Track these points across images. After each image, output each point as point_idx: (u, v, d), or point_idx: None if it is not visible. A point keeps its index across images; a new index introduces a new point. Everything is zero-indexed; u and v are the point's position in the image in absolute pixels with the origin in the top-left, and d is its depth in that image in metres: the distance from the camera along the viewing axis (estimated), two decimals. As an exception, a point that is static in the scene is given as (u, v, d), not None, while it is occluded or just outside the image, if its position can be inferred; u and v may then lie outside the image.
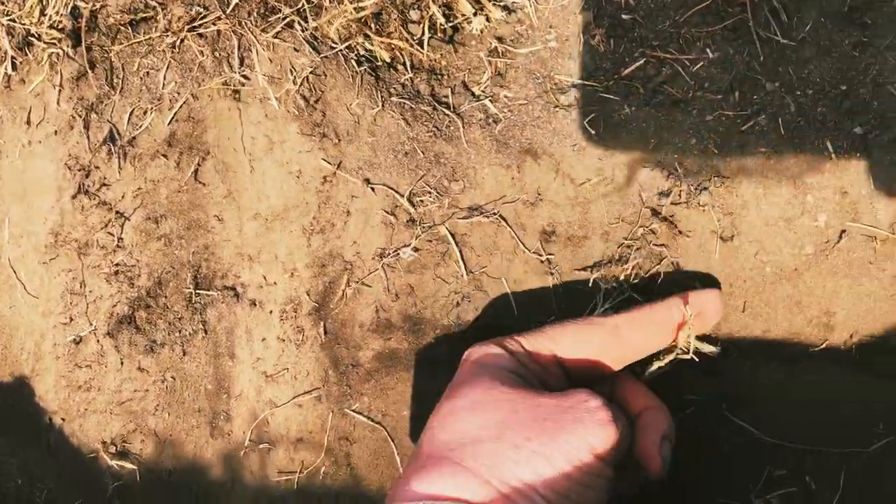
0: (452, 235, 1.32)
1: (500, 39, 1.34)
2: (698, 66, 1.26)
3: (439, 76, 1.38)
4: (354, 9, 1.28)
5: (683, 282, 1.22)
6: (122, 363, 1.41)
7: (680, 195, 1.22)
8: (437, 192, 1.32)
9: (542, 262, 1.28)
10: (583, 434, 0.92)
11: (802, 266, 1.18)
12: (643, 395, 1.09)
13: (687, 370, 1.16)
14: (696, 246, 1.22)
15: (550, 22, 1.34)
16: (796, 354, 1.20)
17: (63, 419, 1.43)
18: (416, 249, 1.33)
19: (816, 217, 1.17)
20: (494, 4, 1.30)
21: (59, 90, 1.37)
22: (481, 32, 1.35)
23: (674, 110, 1.25)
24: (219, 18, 1.33)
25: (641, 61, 1.29)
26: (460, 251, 1.32)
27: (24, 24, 1.35)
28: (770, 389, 1.20)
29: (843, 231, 1.17)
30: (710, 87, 1.24)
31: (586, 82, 1.31)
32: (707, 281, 1.22)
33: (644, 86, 1.28)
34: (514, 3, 1.30)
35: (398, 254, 1.33)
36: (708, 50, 1.25)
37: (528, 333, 1.10)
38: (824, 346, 1.18)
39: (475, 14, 1.30)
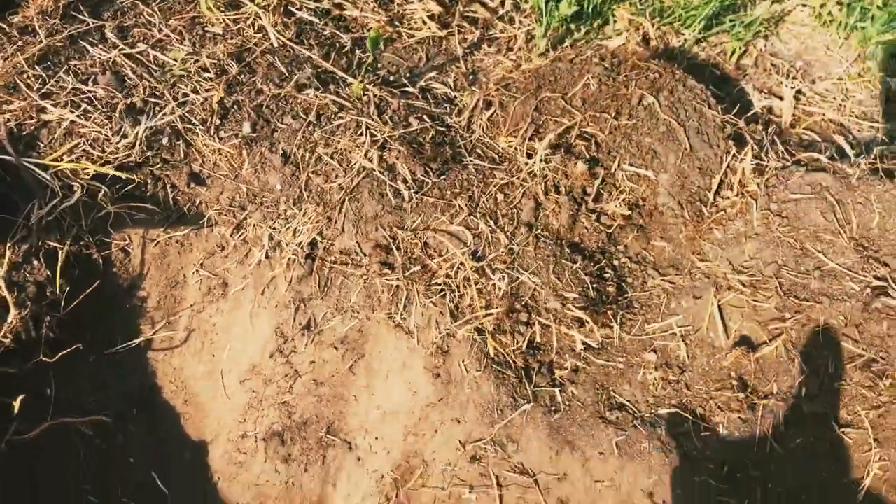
0: None
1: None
2: None
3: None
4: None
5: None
6: (265, 461, 2.13)
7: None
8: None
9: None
10: None
11: None
12: None
13: None
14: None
15: None
16: None
17: (219, 478, 2.17)
18: None
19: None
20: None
21: (288, 282, 2.08)
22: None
23: None
24: (392, 275, 1.99)
25: None
26: None
27: (280, 238, 2.07)
28: None
29: None
30: None
31: None
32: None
33: None
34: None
35: None
36: None
37: None
38: None
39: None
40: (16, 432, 2.00)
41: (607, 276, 2.11)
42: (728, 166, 2.14)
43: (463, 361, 1.98)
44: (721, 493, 1.83)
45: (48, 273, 2.01)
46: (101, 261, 2.13)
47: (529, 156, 2.21)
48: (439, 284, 2.02)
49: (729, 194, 2.13)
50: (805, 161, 2.19)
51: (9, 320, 1.93)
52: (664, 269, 2.14)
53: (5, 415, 1.97)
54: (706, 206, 2.13)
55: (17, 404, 1.91)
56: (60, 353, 2.01)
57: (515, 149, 2.24)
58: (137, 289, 2.17)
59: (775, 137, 2.23)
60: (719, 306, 2.03)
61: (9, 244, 1.98)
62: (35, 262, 2.02)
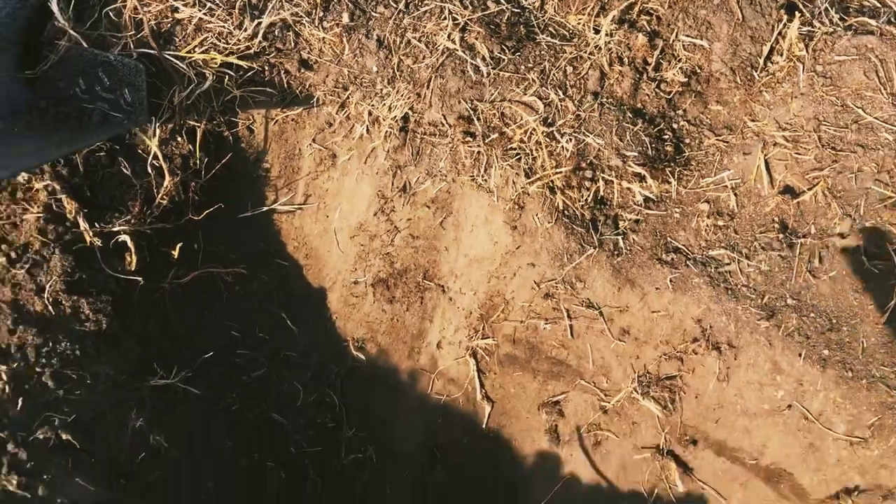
0: None
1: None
2: None
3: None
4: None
5: None
6: (373, 302, 2.55)
7: None
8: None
9: None
10: None
11: None
12: None
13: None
14: None
15: None
16: None
17: (336, 317, 2.62)
18: None
19: None
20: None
21: (386, 152, 2.44)
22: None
23: None
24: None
25: None
26: None
27: (378, 113, 2.42)
28: None
29: None
30: None
31: None
32: None
33: None
34: None
35: None
36: None
37: None
38: None
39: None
40: (174, 276, 2.48)
41: (666, 137, 2.37)
42: (779, 34, 2.33)
43: (537, 215, 2.32)
44: (760, 317, 2.13)
45: (190, 147, 2.44)
46: (230, 137, 2.54)
47: (596, 31, 2.45)
48: (514, 149, 2.33)
49: (779, 59, 2.33)
50: (856, 26, 2.35)
51: (164, 185, 2.38)
52: (719, 130, 2.38)
53: (167, 261, 2.45)
54: (757, 72, 2.34)
55: (175, 252, 2.38)
56: (205, 213, 2.46)
57: (583, 25, 2.48)
58: (262, 161, 2.58)
59: (828, 6, 2.39)
60: (766, 160, 2.27)
61: (158, 123, 2.40)
62: (179, 139, 2.45)
